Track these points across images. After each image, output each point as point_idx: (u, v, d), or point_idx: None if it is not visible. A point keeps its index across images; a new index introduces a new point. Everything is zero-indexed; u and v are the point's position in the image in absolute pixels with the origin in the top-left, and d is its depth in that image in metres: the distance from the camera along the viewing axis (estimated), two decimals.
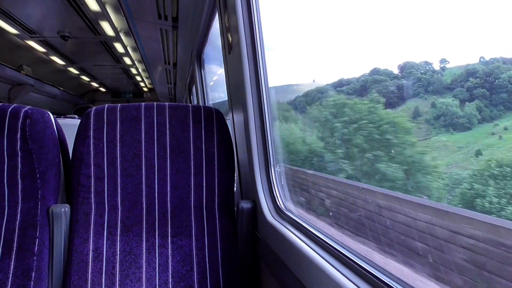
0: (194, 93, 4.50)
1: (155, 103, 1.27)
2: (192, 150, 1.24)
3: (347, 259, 0.81)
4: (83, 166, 1.21)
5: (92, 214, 1.20)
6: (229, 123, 1.38)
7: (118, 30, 5.07)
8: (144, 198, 1.23)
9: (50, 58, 7.31)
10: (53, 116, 1.26)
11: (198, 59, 3.44)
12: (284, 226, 1.09)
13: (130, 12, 3.71)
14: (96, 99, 12.61)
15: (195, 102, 4.77)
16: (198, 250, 1.21)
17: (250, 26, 1.29)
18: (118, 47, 6.31)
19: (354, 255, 0.81)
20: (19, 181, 1.15)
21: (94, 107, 1.25)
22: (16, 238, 1.13)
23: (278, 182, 1.26)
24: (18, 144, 1.14)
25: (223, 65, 1.63)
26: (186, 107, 1.27)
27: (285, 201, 1.24)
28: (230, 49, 1.44)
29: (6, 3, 4.30)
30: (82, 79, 10.08)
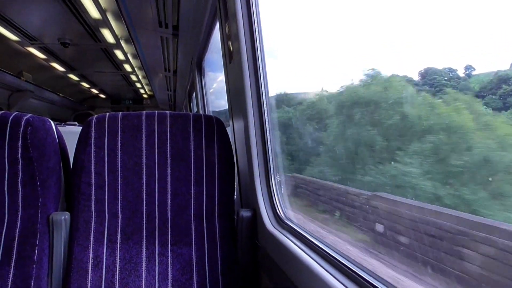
0: (194, 100, 4.51)
1: (156, 111, 1.27)
2: (192, 159, 1.25)
3: (346, 269, 0.81)
4: (84, 174, 1.21)
5: (92, 222, 1.20)
6: (229, 131, 1.38)
7: (119, 37, 5.10)
8: (144, 206, 1.22)
9: (50, 65, 7.33)
10: (54, 124, 1.27)
11: (199, 66, 3.46)
12: (284, 235, 1.09)
13: (130, 19, 3.73)
14: (96, 106, 12.61)
15: (195, 109, 4.78)
16: (198, 259, 1.20)
17: (251, 34, 1.30)
18: (119, 54, 6.34)
19: (354, 264, 0.81)
20: (20, 188, 1.15)
21: (96, 115, 1.26)
22: (16, 245, 1.12)
23: (278, 190, 1.26)
24: (19, 151, 1.14)
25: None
26: (186, 116, 1.27)
27: (285, 210, 1.24)
28: (230, 57, 1.45)
29: (8, 10, 4.33)
30: (82, 85, 10.10)
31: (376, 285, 0.71)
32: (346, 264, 0.81)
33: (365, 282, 0.74)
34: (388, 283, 0.72)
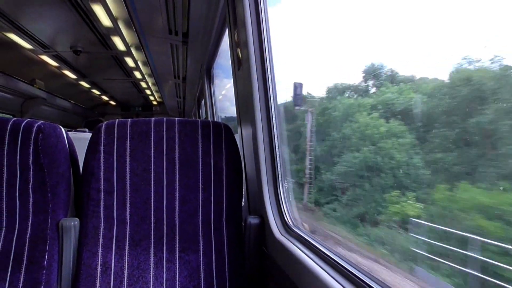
0: (203, 107, 4.53)
1: (164, 118, 1.28)
2: (200, 165, 1.25)
3: (355, 278, 0.79)
4: (93, 180, 1.22)
5: (101, 228, 1.20)
6: (237, 137, 1.38)
7: (129, 45, 5.15)
8: (152, 212, 1.23)
9: (62, 72, 7.43)
10: (65, 130, 1.28)
11: (208, 73, 3.49)
12: (292, 243, 1.08)
13: (141, 27, 3.78)
14: (106, 112, 12.72)
15: (204, 116, 4.80)
16: (206, 265, 1.20)
17: (260, 42, 1.31)
18: (129, 61, 6.39)
19: (362, 273, 0.80)
20: (31, 194, 1.16)
21: (105, 122, 1.27)
22: (26, 251, 1.13)
23: (286, 198, 1.25)
24: (30, 158, 1.16)
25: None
26: (195, 122, 1.28)
27: (293, 217, 1.23)
28: (239, 65, 1.46)
29: (22, 19, 4.41)
30: (93, 92, 10.20)
31: None
32: (356, 274, 0.80)
33: None
34: None
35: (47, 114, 8.52)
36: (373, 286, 0.74)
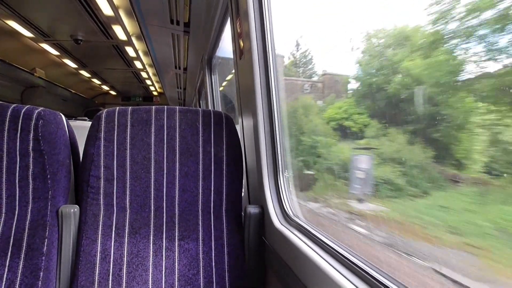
0: (204, 97, 4.52)
1: (165, 106, 1.28)
2: (201, 154, 1.25)
3: (354, 266, 0.80)
4: (93, 167, 1.22)
5: (101, 215, 1.20)
6: (238, 127, 1.38)
7: (130, 34, 5.12)
8: (152, 200, 1.23)
9: (62, 61, 7.41)
10: (65, 118, 1.28)
11: (209, 64, 3.47)
12: (292, 232, 1.09)
13: (142, 16, 3.75)
14: (106, 102, 12.69)
15: (204, 107, 4.79)
16: (205, 254, 1.21)
17: (262, 32, 1.30)
18: (130, 51, 6.37)
19: (362, 262, 0.80)
20: (30, 181, 1.16)
21: (106, 110, 1.27)
22: (25, 237, 1.14)
23: (286, 188, 1.26)
24: (31, 144, 1.15)
25: None
26: (196, 111, 1.28)
27: (292, 207, 1.23)
28: (241, 55, 1.45)
29: (22, 7, 4.38)
30: (93, 82, 10.18)
31: (387, 284, 0.70)
32: (354, 261, 0.81)
33: (375, 281, 0.73)
34: (399, 283, 0.71)
35: (47, 103, 8.50)
36: (373, 274, 0.74)
